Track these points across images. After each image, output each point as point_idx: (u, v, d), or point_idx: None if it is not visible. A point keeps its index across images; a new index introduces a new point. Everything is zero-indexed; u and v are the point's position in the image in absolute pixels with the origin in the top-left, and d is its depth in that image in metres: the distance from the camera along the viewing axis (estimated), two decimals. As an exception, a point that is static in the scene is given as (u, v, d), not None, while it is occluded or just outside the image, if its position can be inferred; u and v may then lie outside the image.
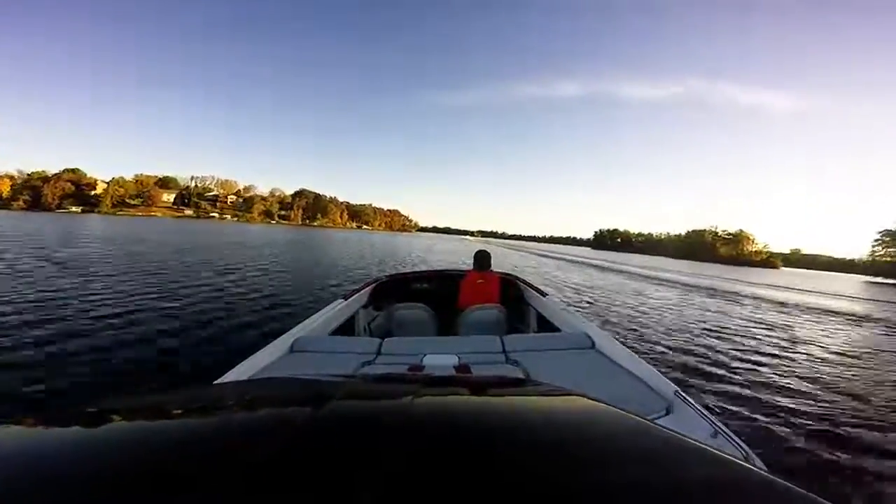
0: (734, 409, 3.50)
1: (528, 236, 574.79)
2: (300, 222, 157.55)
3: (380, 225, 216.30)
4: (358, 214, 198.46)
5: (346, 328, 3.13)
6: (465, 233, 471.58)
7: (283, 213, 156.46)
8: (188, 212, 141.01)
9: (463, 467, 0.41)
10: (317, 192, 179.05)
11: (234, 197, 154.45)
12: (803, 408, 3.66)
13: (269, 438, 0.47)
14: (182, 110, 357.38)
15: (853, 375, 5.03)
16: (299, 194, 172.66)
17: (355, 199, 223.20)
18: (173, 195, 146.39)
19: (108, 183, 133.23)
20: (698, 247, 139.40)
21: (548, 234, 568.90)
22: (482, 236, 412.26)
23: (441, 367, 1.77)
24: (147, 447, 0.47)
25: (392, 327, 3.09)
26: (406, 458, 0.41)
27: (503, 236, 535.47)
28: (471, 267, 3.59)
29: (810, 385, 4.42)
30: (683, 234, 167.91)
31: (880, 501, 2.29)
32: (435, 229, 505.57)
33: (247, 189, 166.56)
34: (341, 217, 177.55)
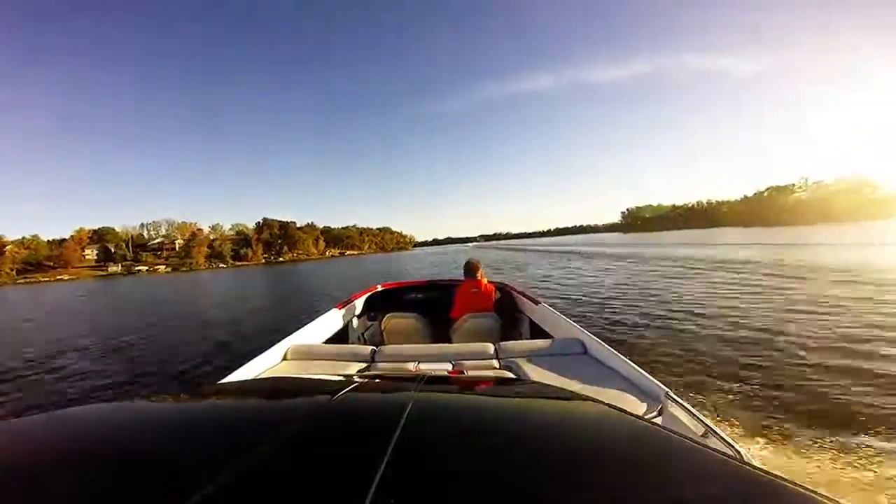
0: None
1: (533, 232, 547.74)
2: (262, 260, 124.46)
3: (369, 248, 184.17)
4: (339, 240, 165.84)
5: (340, 337, 3.14)
6: (467, 240, 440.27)
7: (244, 251, 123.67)
8: (114, 268, 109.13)
9: (463, 465, 0.42)
10: (283, 220, 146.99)
11: (183, 242, 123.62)
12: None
13: (272, 436, 0.48)
14: (146, 150, 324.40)
15: None
16: (262, 226, 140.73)
17: (341, 224, 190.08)
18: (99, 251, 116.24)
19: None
20: (783, 209, 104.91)
21: (553, 227, 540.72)
22: (485, 240, 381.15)
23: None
24: (152, 444, 0.50)
25: (386, 336, 3.04)
26: (410, 456, 0.42)
27: (507, 237, 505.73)
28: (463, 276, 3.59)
29: None
30: (751, 195, 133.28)
31: (875, 498, 2.28)
32: (435, 241, 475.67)
33: (214, 228, 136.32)
34: (316, 245, 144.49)
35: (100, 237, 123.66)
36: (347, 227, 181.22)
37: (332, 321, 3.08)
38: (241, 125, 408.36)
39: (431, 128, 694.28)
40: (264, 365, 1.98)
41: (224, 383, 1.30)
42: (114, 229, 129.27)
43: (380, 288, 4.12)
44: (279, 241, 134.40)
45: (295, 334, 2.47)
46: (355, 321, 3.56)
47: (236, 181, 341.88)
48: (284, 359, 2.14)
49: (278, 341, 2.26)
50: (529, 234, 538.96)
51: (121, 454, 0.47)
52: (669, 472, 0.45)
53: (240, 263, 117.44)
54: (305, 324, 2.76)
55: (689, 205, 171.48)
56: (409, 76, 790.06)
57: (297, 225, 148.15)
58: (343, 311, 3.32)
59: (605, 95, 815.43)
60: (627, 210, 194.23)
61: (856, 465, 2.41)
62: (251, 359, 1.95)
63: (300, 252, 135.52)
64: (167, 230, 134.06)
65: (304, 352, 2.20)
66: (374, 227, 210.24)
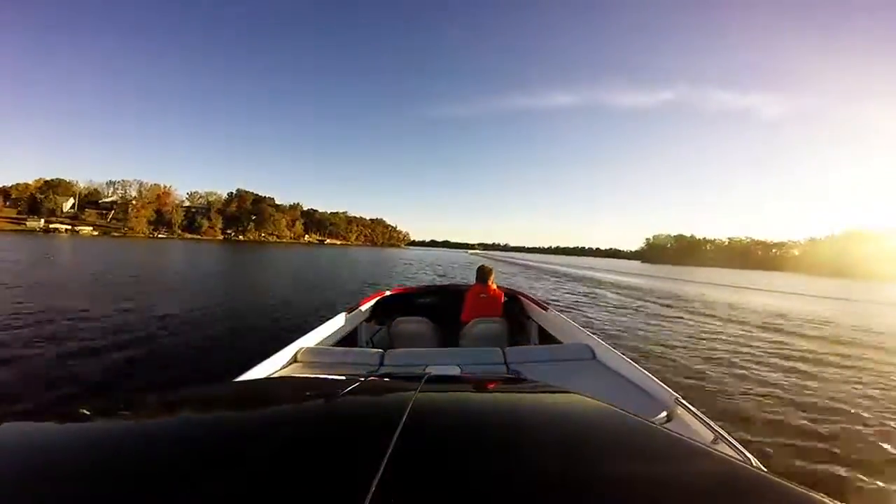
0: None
1: (532, 248, 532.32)
2: (220, 235, 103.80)
3: (356, 239, 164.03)
4: (322, 224, 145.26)
5: (349, 340, 3.16)
6: (466, 246, 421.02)
7: (199, 222, 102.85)
8: (33, 223, 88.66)
9: (464, 463, 0.42)
10: (260, 194, 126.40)
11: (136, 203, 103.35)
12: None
13: (275, 434, 0.49)
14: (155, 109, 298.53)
15: None
16: (234, 197, 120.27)
17: (339, 210, 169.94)
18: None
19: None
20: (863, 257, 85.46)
21: (554, 245, 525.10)
22: (483, 249, 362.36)
23: None
24: (164, 438, 0.51)
25: (394, 340, 3.11)
26: (411, 453, 0.42)
27: (506, 248, 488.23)
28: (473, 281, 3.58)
29: None
30: (832, 235, 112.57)
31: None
32: (433, 243, 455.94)
33: (191, 196, 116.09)
34: (291, 228, 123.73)
35: (50, 188, 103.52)
36: (336, 213, 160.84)
37: (341, 324, 3.08)
38: (249, 103, 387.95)
39: (444, 130, 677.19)
40: (274, 367, 2.01)
41: (236, 382, 1.35)
42: (65, 181, 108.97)
43: (388, 293, 4.10)
44: (252, 217, 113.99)
45: (304, 337, 2.47)
46: (364, 325, 3.53)
47: (245, 157, 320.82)
48: (294, 361, 2.16)
49: (288, 343, 2.26)
50: (527, 248, 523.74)
51: (135, 447, 0.48)
52: (678, 473, 0.44)
53: (191, 236, 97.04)
54: (315, 327, 2.76)
55: (725, 241, 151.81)
56: (425, 76, 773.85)
57: (276, 202, 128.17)
58: (352, 314, 3.31)
59: (625, 120, 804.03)
60: (653, 237, 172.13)
61: (864, 482, 2.53)
62: (261, 361, 1.96)
63: (270, 232, 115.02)
64: (138, 190, 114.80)
65: (314, 354, 2.22)
66: (368, 218, 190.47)
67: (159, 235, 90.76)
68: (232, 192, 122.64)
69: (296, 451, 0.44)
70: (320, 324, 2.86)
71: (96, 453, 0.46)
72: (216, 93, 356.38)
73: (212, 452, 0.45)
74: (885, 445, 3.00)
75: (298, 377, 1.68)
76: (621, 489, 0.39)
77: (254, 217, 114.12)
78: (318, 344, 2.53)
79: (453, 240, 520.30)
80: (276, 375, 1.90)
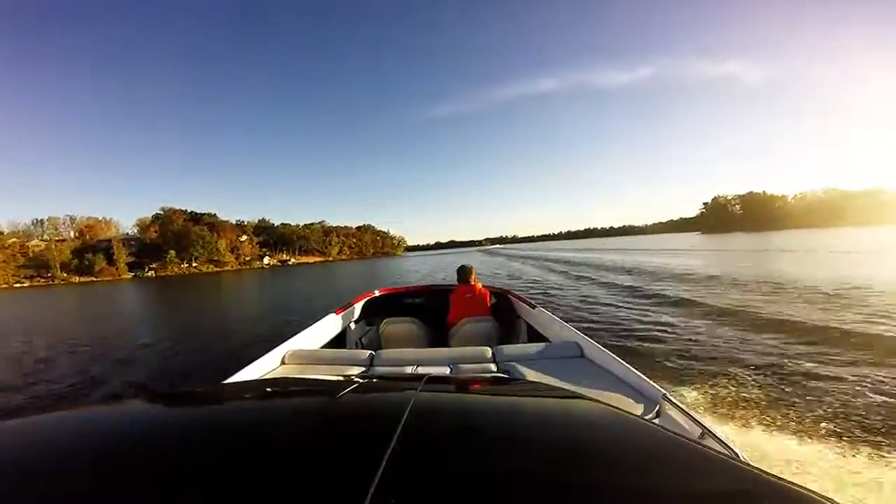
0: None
1: (541, 236, 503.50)
2: (126, 273, 75.54)
3: (341, 252, 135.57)
4: (286, 240, 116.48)
5: (338, 342, 3.17)
6: (474, 244, 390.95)
7: (89, 258, 74.60)
8: None
9: (464, 463, 0.43)
10: (199, 211, 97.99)
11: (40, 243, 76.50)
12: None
13: (275, 434, 0.50)
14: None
15: None
16: (160, 220, 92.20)
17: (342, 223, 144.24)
18: None
19: None
20: None
21: (564, 230, 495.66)
22: (491, 244, 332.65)
23: None
24: (155, 442, 0.51)
25: (384, 341, 3.09)
26: (411, 454, 0.42)
27: (514, 240, 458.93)
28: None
29: None
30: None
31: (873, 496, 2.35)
32: (438, 245, 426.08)
33: (144, 225, 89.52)
34: (235, 250, 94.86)
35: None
36: (309, 225, 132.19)
37: (329, 326, 3.05)
38: (233, 123, 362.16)
39: (439, 130, 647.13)
40: (263, 369, 1.97)
41: (227, 384, 1.29)
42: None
43: (377, 293, 4.03)
44: (188, 242, 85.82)
45: (293, 339, 2.44)
46: (353, 326, 3.53)
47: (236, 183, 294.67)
48: (283, 363, 2.14)
49: (276, 346, 2.24)
50: (537, 237, 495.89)
51: (123, 453, 0.47)
52: (667, 469, 0.45)
53: (81, 279, 68.99)
54: (303, 329, 2.73)
55: (800, 196, 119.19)
56: (421, 78, 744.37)
57: (220, 218, 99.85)
58: (341, 316, 3.27)
59: (610, 100, 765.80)
60: (712, 200, 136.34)
61: (852, 467, 2.53)
62: (249, 363, 1.92)
63: (206, 259, 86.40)
64: (74, 227, 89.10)
65: (303, 356, 2.20)
66: (353, 227, 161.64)
67: (17, 285, 62.47)
68: (158, 213, 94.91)
69: (293, 451, 0.44)
70: (309, 326, 2.79)
71: (84, 455, 0.46)
72: (208, 100, 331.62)
73: (210, 452, 0.45)
74: (879, 442, 2.87)
75: (295, 378, 1.66)
76: (615, 486, 0.40)
77: (187, 241, 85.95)
78: (307, 345, 2.49)
79: (458, 239, 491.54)
80: (265, 377, 1.88)
